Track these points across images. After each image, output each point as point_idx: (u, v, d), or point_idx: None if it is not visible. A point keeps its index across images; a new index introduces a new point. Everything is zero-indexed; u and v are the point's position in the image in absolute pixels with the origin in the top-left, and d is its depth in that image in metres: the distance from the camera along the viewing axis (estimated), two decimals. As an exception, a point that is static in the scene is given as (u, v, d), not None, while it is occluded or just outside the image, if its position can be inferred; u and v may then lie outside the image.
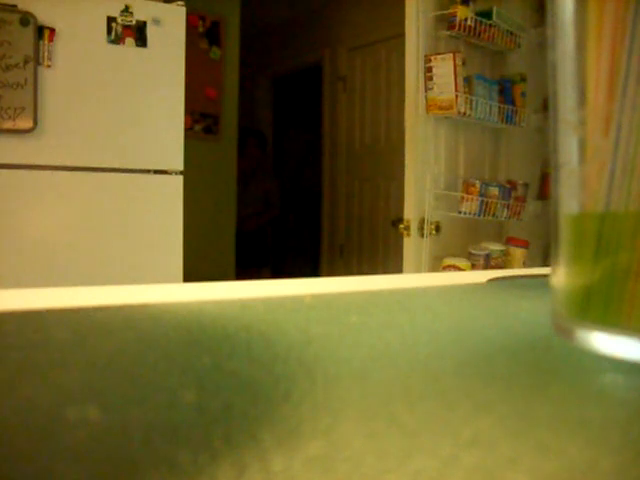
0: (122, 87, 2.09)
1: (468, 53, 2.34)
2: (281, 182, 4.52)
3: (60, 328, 0.24)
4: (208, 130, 3.70)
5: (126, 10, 2.09)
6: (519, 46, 2.45)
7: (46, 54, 1.96)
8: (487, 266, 2.29)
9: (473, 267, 2.28)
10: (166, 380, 0.17)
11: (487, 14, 2.28)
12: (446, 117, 2.28)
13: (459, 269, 2.22)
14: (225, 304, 0.31)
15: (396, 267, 2.90)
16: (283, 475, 0.11)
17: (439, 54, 2.20)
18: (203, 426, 0.14)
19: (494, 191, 2.33)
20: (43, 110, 1.96)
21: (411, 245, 2.30)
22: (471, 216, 2.31)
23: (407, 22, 2.28)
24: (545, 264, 2.46)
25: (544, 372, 0.19)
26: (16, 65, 1.90)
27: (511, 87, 2.43)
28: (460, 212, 2.30)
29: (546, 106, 2.40)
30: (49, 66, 1.97)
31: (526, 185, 2.50)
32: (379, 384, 0.17)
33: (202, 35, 3.65)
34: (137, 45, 2.11)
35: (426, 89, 2.23)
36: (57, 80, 1.99)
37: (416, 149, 2.27)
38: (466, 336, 0.24)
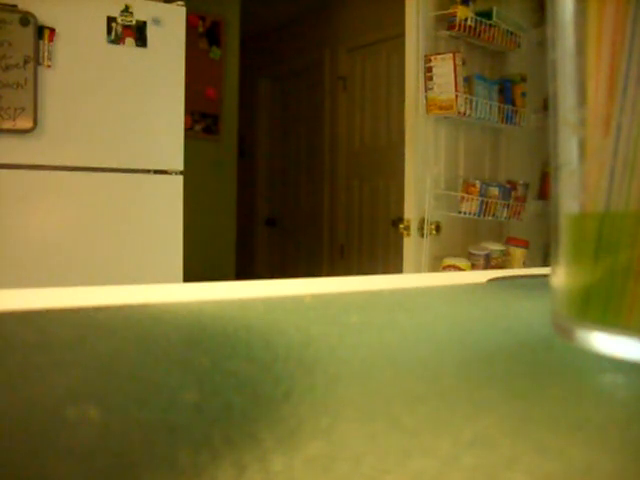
0: (122, 87, 2.09)
1: (468, 53, 2.34)
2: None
3: (60, 328, 0.24)
4: (208, 130, 3.70)
5: (126, 10, 2.09)
6: (519, 46, 2.45)
7: (46, 54, 1.96)
8: (487, 266, 2.29)
9: (473, 267, 2.28)
10: (166, 380, 0.17)
11: (487, 14, 2.29)
12: (446, 117, 2.28)
13: (459, 269, 2.22)
14: (225, 304, 0.31)
15: (396, 267, 2.90)
16: (283, 475, 0.11)
17: (439, 54, 2.21)
18: (203, 426, 0.14)
19: (494, 191, 2.34)
20: (43, 110, 1.96)
21: (411, 245, 2.30)
22: (471, 216, 2.31)
23: (407, 22, 2.28)
24: (545, 264, 2.46)
25: (544, 372, 0.19)
26: (16, 65, 1.90)
27: (511, 87, 2.43)
28: (460, 212, 2.30)
29: (546, 106, 2.40)
30: (49, 66, 1.97)
31: (526, 185, 2.50)
32: (379, 384, 0.17)
33: (202, 35, 3.65)
34: (137, 45, 2.12)
35: (426, 89, 2.23)
36: (57, 80, 1.99)
37: (416, 149, 2.27)
38: (466, 336, 0.24)
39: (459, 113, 2.19)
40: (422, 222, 2.28)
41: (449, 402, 0.16)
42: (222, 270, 3.72)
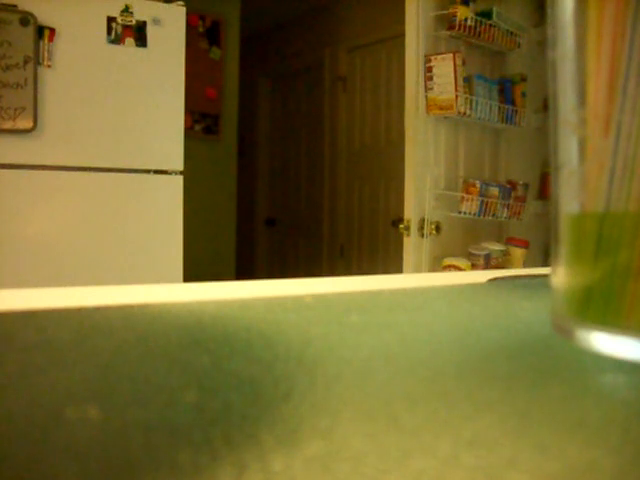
0: (122, 87, 2.09)
1: (468, 53, 2.34)
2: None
3: (60, 328, 0.24)
4: (208, 130, 3.70)
5: (126, 10, 2.09)
6: (519, 46, 2.45)
7: (46, 54, 1.96)
8: (487, 266, 2.29)
9: (473, 267, 2.28)
10: (166, 380, 0.17)
11: (487, 14, 2.28)
12: (446, 117, 2.28)
13: (459, 269, 2.22)
14: (225, 304, 0.31)
15: (396, 267, 2.90)
16: (283, 475, 0.11)
17: (439, 54, 2.20)
18: (203, 426, 0.14)
19: (494, 191, 2.33)
20: (43, 110, 1.96)
21: (411, 245, 2.29)
22: (471, 216, 2.31)
23: (407, 22, 2.28)
24: (545, 264, 2.46)
25: (544, 372, 0.19)
26: (16, 65, 1.90)
27: (511, 87, 2.43)
28: (460, 212, 2.30)
29: (546, 106, 2.40)
30: (49, 66, 1.97)
31: (526, 185, 2.50)
32: (379, 384, 0.17)
33: (202, 35, 3.65)
34: (137, 45, 2.11)
35: (426, 89, 2.23)
36: (57, 80, 1.99)
37: (416, 149, 2.27)
38: (466, 336, 0.24)
39: (459, 113, 2.19)
40: (422, 222, 2.28)
41: (449, 402, 0.16)
42: (222, 270, 3.72)
